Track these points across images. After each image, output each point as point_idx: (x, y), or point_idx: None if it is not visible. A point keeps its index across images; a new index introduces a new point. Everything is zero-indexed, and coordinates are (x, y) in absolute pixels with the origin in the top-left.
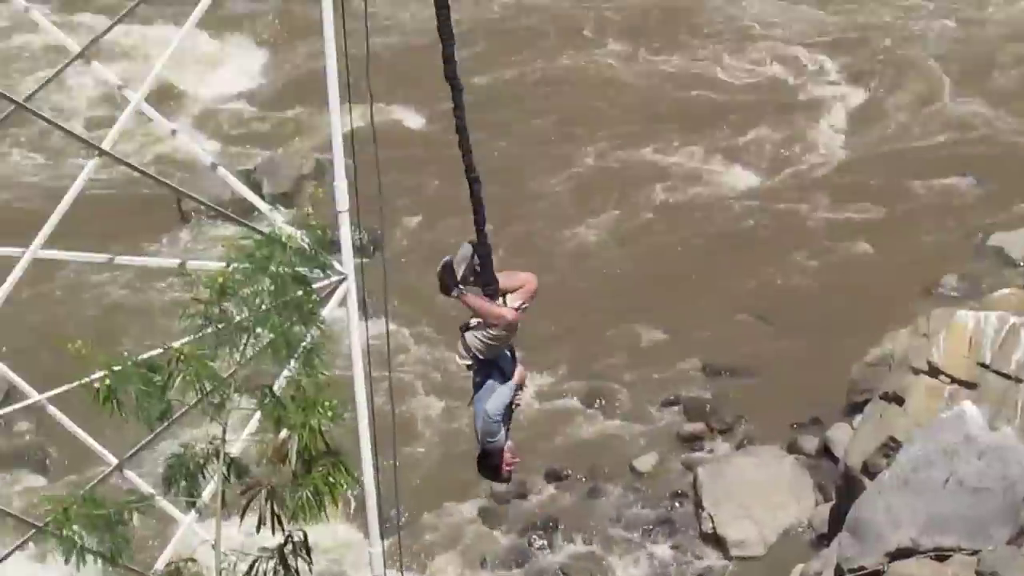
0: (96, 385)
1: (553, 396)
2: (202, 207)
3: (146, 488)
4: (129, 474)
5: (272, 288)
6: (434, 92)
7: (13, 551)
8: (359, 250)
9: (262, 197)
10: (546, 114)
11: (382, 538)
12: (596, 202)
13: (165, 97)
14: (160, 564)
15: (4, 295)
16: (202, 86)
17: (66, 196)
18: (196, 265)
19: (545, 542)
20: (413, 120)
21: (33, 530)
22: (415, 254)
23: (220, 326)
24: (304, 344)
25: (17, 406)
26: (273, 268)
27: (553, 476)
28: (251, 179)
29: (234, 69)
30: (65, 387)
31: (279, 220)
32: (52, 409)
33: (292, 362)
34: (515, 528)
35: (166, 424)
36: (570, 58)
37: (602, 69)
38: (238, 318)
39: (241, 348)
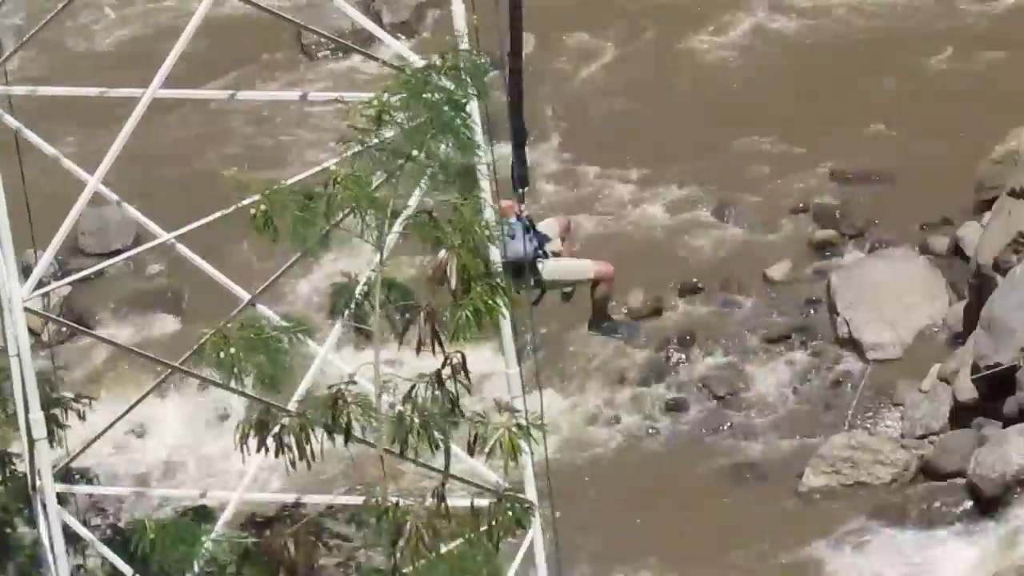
0: (252, 211)
1: (682, 209)
2: (323, 40)
3: (278, 320)
4: (262, 308)
5: (428, 113)
6: None
7: (152, 389)
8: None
9: (382, 27)
10: None
11: (519, 361)
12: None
13: None
14: (301, 390)
15: (125, 136)
16: None
17: (182, 35)
18: (351, 96)
19: (683, 355)
20: None
21: (170, 370)
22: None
23: (377, 152)
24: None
25: (147, 245)
26: (428, 94)
27: (687, 290)
28: (370, 9)
29: None
30: (201, 221)
31: (402, 49)
32: (182, 247)
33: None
34: (652, 344)
35: (296, 257)
36: None
37: None
38: (394, 143)
39: (398, 174)
